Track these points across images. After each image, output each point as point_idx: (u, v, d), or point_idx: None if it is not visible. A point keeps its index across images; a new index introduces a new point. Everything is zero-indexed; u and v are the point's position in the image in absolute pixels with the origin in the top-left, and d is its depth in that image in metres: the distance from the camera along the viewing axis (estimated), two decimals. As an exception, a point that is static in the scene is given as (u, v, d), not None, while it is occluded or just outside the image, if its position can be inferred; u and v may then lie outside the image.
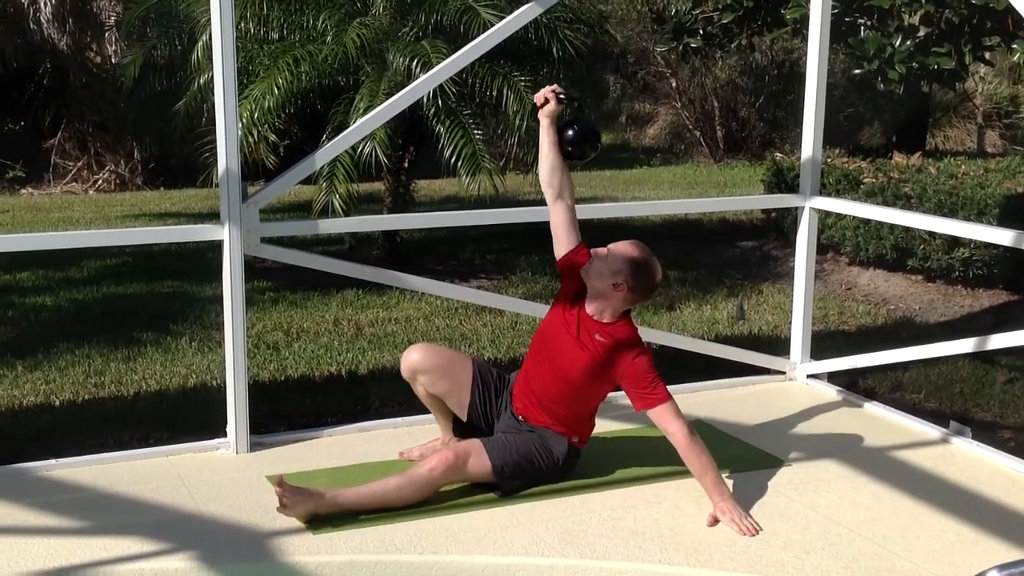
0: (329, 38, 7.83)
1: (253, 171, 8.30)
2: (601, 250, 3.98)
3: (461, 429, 4.19)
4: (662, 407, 3.85)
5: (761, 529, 3.71)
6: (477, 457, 3.90)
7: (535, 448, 3.98)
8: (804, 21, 8.75)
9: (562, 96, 4.07)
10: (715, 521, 3.76)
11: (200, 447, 4.36)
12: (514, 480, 3.95)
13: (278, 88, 7.55)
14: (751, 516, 3.77)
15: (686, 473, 3.89)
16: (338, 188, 7.69)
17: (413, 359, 4.12)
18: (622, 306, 3.97)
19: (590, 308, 3.98)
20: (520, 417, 4.05)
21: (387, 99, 5.26)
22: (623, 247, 3.97)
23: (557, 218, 4.07)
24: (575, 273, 4.02)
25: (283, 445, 4.43)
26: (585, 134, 4.16)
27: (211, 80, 4.39)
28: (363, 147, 7.53)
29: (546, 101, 4.05)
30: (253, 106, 7.57)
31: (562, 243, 4.07)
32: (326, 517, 3.69)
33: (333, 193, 7.69)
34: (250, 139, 7.62)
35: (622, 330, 3.96)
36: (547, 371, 4.01)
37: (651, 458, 4.22)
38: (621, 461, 4.26)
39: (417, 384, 4.15)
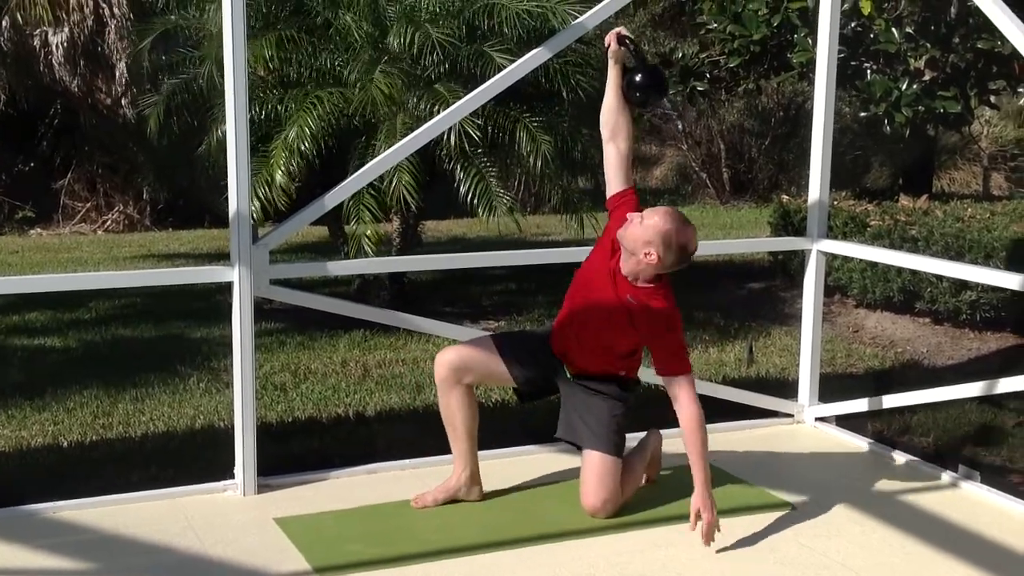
0: (357, 88, 7.82)
1: (266, 213, 8.31)
2: (636, 216, 3.97)
3: (524, 397, 4.36)
4: (682, 378, 3.95)
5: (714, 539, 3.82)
6: (606, 471, 4.05)
7: (612, 411, 4.11)
8: (811, 65, 8.81)
9: (627, 39, 4.20)
10: (698, 513, 3.81)
11: (207, 489, 4.36)
12: (621, 442, 4.14)
13: (310, 131, 7.61)
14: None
15: (695, 517, 3.87)
16: (365, 228, 7.72)
17: (451, 357, 4.11)
18: (654, 272, 4.00)
19: (625, 268, 4.01)
20: (574, 376, 4.15)
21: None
22: (657, 219, 3.94)
23: (607, 160, 4.22)
24: (619, 220, 4.06)
25: (290, 487, 4.42)
26: (651, 79, 4.24)
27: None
28: (393, 185, 7.56)
29: (611, 44, 4.22)
30: (286, 151, 7.60)
31: (611, 185, 4.21)
32: (344, 560, 3.67)
33: (363, 234, 7.72)
34: (278, 181, 7.62)
35: (655, 299, 3.98)
36: (582, 313, 4.08)
37: (659, 502, 4.21)
38: (629, 505, 4.24)
39: (456, 386, 4.11)
